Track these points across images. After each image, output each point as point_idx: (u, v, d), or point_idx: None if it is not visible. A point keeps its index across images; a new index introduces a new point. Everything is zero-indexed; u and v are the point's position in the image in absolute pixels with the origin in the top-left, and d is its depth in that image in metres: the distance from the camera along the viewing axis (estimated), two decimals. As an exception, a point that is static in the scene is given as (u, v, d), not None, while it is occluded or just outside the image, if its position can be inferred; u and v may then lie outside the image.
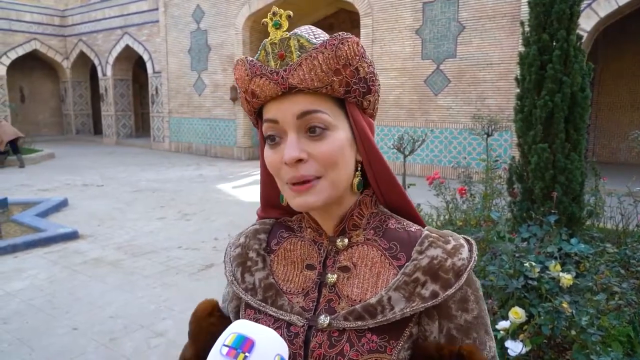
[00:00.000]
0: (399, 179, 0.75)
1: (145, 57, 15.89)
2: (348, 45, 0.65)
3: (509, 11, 9.04)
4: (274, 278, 0.77)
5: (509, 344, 2.03)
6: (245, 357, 0.59)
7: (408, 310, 0.67)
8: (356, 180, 0.73)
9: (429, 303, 0.67)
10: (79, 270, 4.72)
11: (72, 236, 5.77)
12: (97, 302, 3.94)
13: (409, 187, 4.69)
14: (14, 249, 5.26)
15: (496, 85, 9.32)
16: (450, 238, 0.72)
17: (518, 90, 3.56)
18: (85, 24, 17.73)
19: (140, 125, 20.35)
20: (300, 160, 0.66)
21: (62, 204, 7.50)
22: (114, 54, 16.94)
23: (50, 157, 13.55)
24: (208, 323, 0.81)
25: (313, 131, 0.66)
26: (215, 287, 4.17)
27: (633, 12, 9.00)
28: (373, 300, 0.69)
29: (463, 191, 4.27)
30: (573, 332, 2.19)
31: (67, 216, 6.96)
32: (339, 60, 0.65)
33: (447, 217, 4.43)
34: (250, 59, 0.69)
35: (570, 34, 3.28)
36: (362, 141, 0.70)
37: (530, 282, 2.33)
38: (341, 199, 0.73)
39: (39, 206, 7.08)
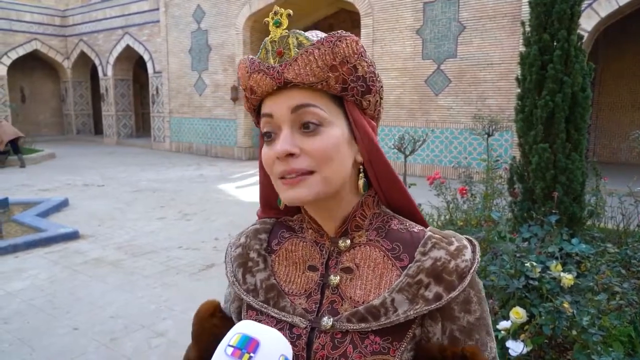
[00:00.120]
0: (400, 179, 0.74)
1: (146, 57, 15.89)
2: (346, 42, 0.65)
3: (510, 11, 9.03)
4: (275, 279, 0.76)
5: (510, 344, 2.03)
6: (250, 357, 0.59)
7: (412, 312, 0.67)
8: (361, 182, 0.72)
9: (432, 306, 0.67)
10: (79, 270, 4.72)
11: (73, 236, 5.78)
12: (98, 302, 3.94)
13: (409, 187, 4.69)
14: (14, 249, 5.26)
15: (497, 85, 9.31)
16: (453, 239, 0.72)
17: (519, 90, 3.55)
18: (86, 24, 17.73)
19: (141, 125, 20.35)
20: (292, 155, 0.66)
21: (63, 204, 7.50)
22: (115, 54, 16.94)
23: (50, 157, 13.56)
24: (210, 324, 0.80)
25: (307, 127, 0.66)
26: (216, 287, 4.17)
27: (634, 12, 8.99)
28: (376, 302, 0.68)
29: (464, 191, 4.28)
30: (574, 332, 2.19)
31: (68, 216, 6.96)
32: (335, 57, 0.64)
33: (447, 217, 4.44)
34: (252, 57, 0.70)
35: (571, 34, 3.28)
36: (362, 139, 0.69)
37: (531, 282, 2.32)
38: (342, 200, 0.72)
39: (40, 206, 7.09)
